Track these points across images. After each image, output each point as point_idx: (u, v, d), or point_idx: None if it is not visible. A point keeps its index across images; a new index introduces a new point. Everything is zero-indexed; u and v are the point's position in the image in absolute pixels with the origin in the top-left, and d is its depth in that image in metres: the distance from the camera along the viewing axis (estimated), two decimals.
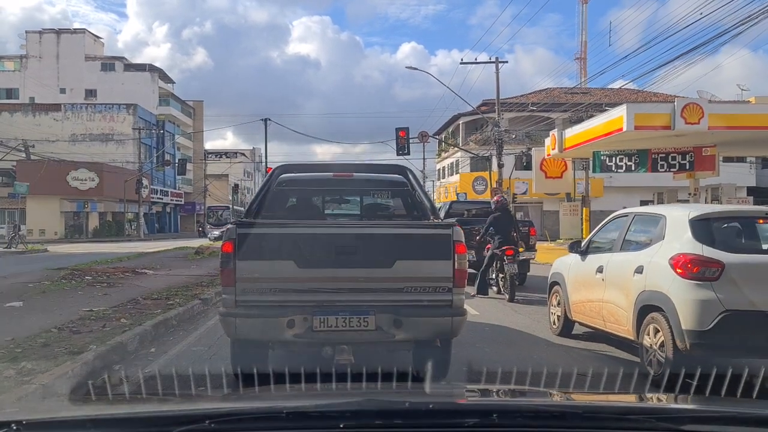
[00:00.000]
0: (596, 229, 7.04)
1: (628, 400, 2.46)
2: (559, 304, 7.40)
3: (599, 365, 5.48)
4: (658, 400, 2.70)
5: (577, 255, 7.04)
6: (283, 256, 4.68)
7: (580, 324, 7.07)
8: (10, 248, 28.68)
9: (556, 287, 7.52)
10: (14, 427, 1.62)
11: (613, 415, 1.78)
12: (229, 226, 4.88)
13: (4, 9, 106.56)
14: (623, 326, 5.78)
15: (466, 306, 4.93)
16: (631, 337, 5.64)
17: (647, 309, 5.34)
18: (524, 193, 38.73)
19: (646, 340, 5.32)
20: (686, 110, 22.48)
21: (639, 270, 5.49)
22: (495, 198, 11.94)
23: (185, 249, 23.84)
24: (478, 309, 9.15)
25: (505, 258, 10.46)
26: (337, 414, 1.69)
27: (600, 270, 6.26)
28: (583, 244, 7.03)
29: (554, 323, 7.53)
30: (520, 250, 11.22)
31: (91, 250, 27.35)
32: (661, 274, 5.21)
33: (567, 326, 7.25)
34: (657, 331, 5.18)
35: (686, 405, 2.20)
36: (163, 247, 27.03)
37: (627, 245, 6.12)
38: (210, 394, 3.25)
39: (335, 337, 4.60)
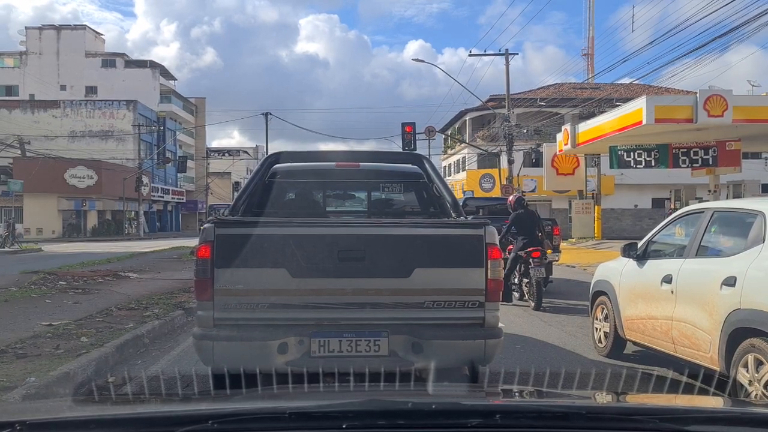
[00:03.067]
0: (657, 229, 5.80)
1: (632, 400, 2.38)
2: (606, 318, 6.18)
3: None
4: (662, 400, 2.65)
5: (631, 260, 5.81)
6: (273, 263, 3.92)
7: (634, 343, 5.87)
8: (3, 247, 27.83)
9: (603, 298, 6.30)
10: (18, 427, 1.57)
11: (616, 415, 1.75)
12: (206, 225, 4.00)
13: (16, 8, 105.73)
14: (703, 352, 4.56)
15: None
16: (715, 367, 4.41)
17: (743, 333, 4.10)
18: (533, 191, 37.68)
19: (743, 375, 4.09)
20: (709, 102, 21.32)
21: (729, 282, 4.26)
22: (510, 198, 10.69)
23: (181, 249, 22.80)
24: (501, 320, 7.90)
25: (531, 261, 9.23)
26: (339, 414, 1.65)
27: (667, 280, 5.03)
28: (639, 246, 5.77)
29: (600, 341, 6.31)
30: (548, 252, 9.99)
31: (86, 249, 26.67)
32: (764, 288, 3.99)
33: (617, 345, 6.04)
34: (760, 363, 3.95)
35: (690, 405, 2.13)
36: (159, 247, 26.14)
37: (705, 250, 4.88)
38: (213, 394, 3.19)
39: (338, 365, 3.79)
